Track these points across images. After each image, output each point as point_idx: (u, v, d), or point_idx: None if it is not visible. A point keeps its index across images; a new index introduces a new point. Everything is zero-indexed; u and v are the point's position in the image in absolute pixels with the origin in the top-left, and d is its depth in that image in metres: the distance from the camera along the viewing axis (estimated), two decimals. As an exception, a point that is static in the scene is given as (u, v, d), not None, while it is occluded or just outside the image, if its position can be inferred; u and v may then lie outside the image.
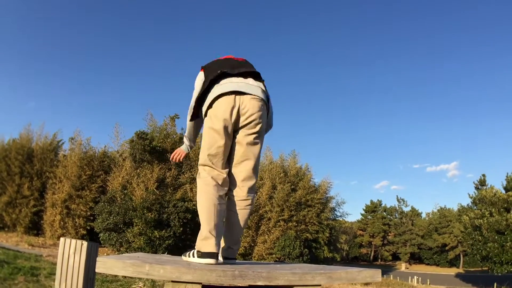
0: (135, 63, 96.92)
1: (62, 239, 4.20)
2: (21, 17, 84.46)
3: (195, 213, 19.70)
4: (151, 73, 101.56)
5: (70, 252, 4.02)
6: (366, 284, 19.56)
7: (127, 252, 18.94)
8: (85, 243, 4.08)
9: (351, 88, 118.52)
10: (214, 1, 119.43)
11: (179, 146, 3.44)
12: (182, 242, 20.25)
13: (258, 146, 2.99)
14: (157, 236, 19.17)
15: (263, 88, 2.95)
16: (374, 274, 2.49)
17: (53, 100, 78.42)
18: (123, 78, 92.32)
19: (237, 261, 3.02)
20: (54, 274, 4.67)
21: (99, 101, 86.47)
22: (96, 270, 2.08)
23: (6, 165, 25.74)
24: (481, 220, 35.89)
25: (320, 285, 2.30)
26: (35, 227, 24.87)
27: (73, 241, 4.15)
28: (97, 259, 2.05)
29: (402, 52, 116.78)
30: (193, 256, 2.64)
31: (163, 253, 18.22)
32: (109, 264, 2.07)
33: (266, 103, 2.95)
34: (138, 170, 22.32)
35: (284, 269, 2.46)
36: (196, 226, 20.56)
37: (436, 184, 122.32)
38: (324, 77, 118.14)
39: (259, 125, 2.87)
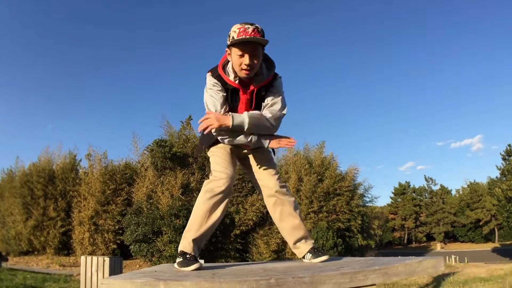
0: (142, 72, 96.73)
1: (83, 257, 3.91)
2: (30, 45, 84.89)
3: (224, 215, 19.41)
4: (159, 79, 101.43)
5: (93, 270, 3.73)
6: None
7: (159, 261, 18.83)
8: (107, 259, 3.77)
9: (367, 70, 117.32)
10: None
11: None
12: (214, 245, 20.00)
13: None
14: (188, 242, 18.85)
15: None
16: (436, 264, 2.13)
17: (70, 119, 78.57)
18: (132, 87, 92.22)
19: (274, 261, 2.74)
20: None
21: (109, 114, 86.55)
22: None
23: (29, 189, 25.80)
24: (515, 191, 35.01)
25: (374, 285, 1.95)
26: (65, 247, 24.85)
27: (95, 258, 3.86)
28: (102, 281, 1.70)
29: (417, 28, 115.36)
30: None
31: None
32: (116, 286, 1.71)
33: None
34: (162, 178, 22.15)
35: (330, 269, 2.10)
36: (225, 228, 20.42)
37: (462, 160, 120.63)
38: (342, 60, 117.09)
39: None
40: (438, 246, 70.95)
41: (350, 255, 23.64)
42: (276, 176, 3.13)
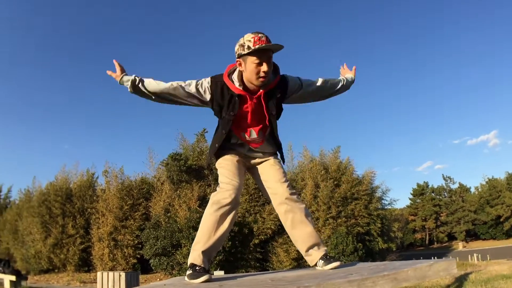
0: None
1: (99, 273, 3.90)
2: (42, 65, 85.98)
3: (241, 225, 19.47)
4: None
5: (109, 285, 3.68)
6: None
7: (179, 274, 18.78)
8: (123, 274, 3.75)
9: (379, 71, 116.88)
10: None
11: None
12: (233, 256, 19.95)
13: None
14: (207, 254, 18.84)
15: None
16: (448, 266, 2.07)
17: (86, 138, 79.25)
18: (144, 103, 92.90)
19: (288, 270, 2.71)
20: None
21: (124, 130, 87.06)
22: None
23: (47, 208, 25.97)
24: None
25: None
26: (85, 264, 24.95)
27: (111, 273, 3.83)
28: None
29: (428, 26, 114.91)
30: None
31: (215, 269, 18.01)
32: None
33: None
34: (178, 191, 22.23)
35: (338, 276, 2.05)
36: (244, 238, 20.37)
37: (479, 156, 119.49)
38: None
39: None
40: (460, 245, 70.12)
41: (371, 259, 23.50)
42: (286, 184, 3.11)
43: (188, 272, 2.70)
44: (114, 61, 3.06)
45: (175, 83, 3.00)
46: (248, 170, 3.37)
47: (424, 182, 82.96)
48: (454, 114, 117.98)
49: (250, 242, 20.72)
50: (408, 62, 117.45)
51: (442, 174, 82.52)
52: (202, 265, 2.71)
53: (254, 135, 3.13)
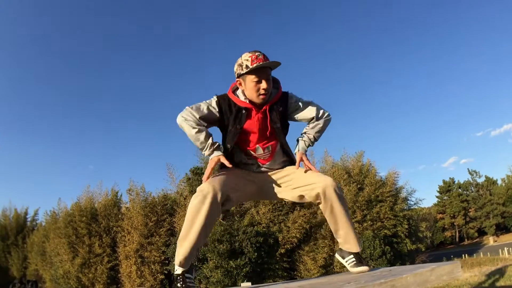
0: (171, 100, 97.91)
1: None
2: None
3: (266, 235, 19.39)
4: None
5: None
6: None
7: (207, 287, 18.81)
8: None
9: (396, 69, 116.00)
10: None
11: None
12: (260, 267, 19.87)
13: None
14: (233, 266, 18.81)
15: None
16: (452, 269, 1.99)
17: (109, 157, 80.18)
18: (163, 118, 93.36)
19: (305, 279, 2.68)
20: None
21: (144, 147, 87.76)
22: None
23: (73, 228, 26.29)
24: None
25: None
26: (113, 282, 25.19)
27: None
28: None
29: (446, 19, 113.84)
30: None
31: (242, 281, 17.94)
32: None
33: None
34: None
35: (333, 286, 2.03)
36: (270, 248, 20.28)
37: (504, 147, 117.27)
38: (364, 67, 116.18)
39: None
40: (490, 240, 68.92)
41: (400, 262, 23.20)
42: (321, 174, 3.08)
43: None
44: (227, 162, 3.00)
45: (195, 126, 3.01)
46: (261, 192, 3.29)
47: (450, 178, 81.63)
48: (474, 106, 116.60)
49: (276, 252, 20.59)
50: (423, 57, 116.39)
51: (468, 169, 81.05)
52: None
53: (260, 150, 3.14)
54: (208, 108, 3.03)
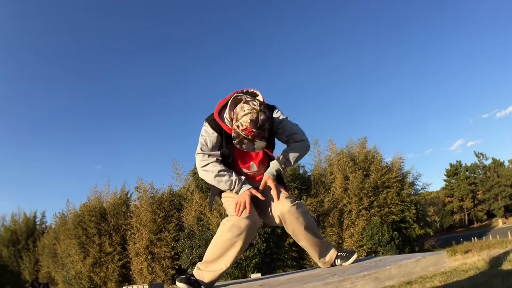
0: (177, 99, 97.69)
1: (124, 287, 3.88)
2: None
3: (273, 226, 19.39)
4: (195, 105, 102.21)
5: None
6: (466, 252, 18.27)
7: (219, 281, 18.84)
8: (146, 287, 3.74)
9: (399, 53, 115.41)
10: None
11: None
12: (269, 257, 19.93)
13: None
14: (243, 258, 18.91)
15: None
16: (438, 260, 2.01)
17: (117, 156, 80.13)
18: (169, 115, 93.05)
19: (298, 271, 2.71)
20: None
21: (150, 144, 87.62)
22: None
23: (82, 229, 26.48)
24: None
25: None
26: (125, 279, 25.40)
27: (135, 286, 3.82)
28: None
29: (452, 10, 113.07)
30: None
31: (252, 272, 18.04)
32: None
33: None
34: (208, 199, 22.30)
35: (318, 279, 2.02)
36: (279, 238, 20.33)
37: (511, 128, 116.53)
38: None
39: None
40: (500, 222, 68.57)
41: (409, 247, 23.17)
42: (286, 196, 3.08)
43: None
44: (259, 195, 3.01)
45: (212, 167, 3.02)
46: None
47: (457, 161, 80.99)
48: (479, 87, 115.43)
49: (285, 242, 20.63)
50: (428, 40, 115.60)
51: (474, 151, 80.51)
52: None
53: (254, 167, 3.17)
54: (209, 138, 3.00)
